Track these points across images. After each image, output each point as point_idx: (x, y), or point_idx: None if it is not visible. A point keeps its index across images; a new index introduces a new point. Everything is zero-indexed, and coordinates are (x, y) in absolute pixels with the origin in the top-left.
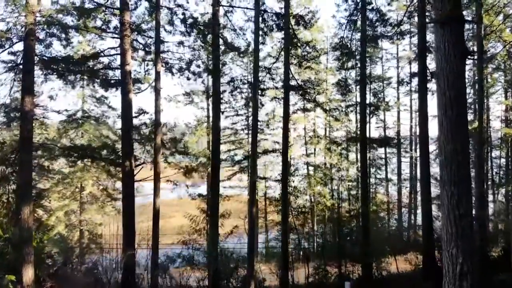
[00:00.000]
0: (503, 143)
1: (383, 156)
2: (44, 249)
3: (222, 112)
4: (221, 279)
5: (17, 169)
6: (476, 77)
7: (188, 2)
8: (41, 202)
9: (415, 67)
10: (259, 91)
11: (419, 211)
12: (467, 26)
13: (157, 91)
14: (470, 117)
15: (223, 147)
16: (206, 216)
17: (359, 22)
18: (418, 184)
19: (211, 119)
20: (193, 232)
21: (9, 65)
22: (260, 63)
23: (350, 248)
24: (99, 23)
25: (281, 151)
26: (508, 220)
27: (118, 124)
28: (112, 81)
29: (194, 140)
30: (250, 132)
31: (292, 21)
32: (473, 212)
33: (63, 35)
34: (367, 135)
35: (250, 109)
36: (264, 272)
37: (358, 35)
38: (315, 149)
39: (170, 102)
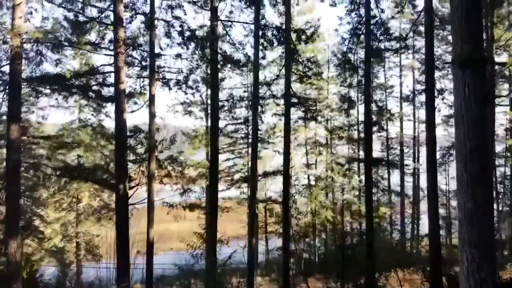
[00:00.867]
0: (508, 153)
1: (385, 167)
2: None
3: (220, 130)
4: None
5: (4, 199)
6: None
7: (186, 14)
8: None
9: (418, 75)
10: (259, 106)
11: (421, 221)
12: None
13: (151, 114)
14: None
15: (222, 157)
16: (203, 241)
17: (362, 36)
18: (421, 194)
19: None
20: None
21: None
22: (261, 77)
23: (353, 263)
24: (93, 36)
25: (282, 172)
26: None
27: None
28: (107, 97)
29: (192, 152)
30: (249, 142)
31: (293, 36)
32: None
33: (54, 54)
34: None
35: (250, 116)
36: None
37: (360, 49)
38: (316, 161)
39: (168, 112)
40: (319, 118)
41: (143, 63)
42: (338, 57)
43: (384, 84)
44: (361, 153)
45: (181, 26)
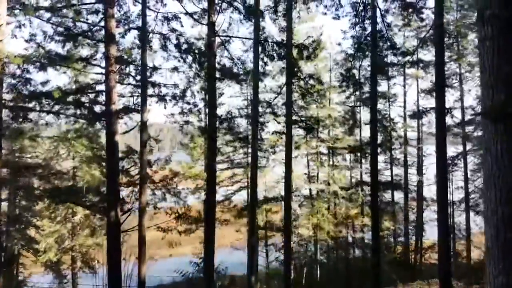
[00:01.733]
0: None
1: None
2: None
3: (219, 151)
4: None
5: None
6: None
7: (182, 26)
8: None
9: (422, 84)
10: (259, 124)
11: (425, 232)
12: None
13: (142, 143)
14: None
15: (221, 165)
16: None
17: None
18: (424, 204)
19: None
20: None
21: None
22: (261, 85)
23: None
24: (85, 51)
25: (282, 199)
26: None
27: None
28: (99, 114)
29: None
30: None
31: (295, 52)
32: None
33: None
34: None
35: (249, 131)
36: None
37: (361, 57)
38: (317, 174)
39: (165, 123)
40: (321, 135)
41: (138, 78)
42: (342, 73)
43: (387, 94)
44: (364, 164)
45: (177, 38)
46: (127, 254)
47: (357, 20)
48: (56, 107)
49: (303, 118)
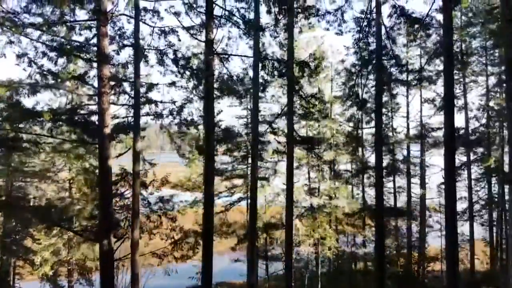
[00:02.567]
0: None
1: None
2: None
3: (217, 172)
4: None
5: None
6: None
7: (180, 40)
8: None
9: (425, 93)
10: (259, 145)
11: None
12: None
13: (135, 174)
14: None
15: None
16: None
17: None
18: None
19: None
20: None
21: None
22: (261, 103)
23: None
24: (79, 68)
25: (283, 225)
26: None
27: None
28: (92, 135)
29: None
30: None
31: (296, 69)
32: None
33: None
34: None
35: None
36: None
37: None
38: (319, 188)
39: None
40: (324, 157)
41: (131, 98)
42: (345, 90)
43: (389, 104)
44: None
45: (174, 53)
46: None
47: (361, 35)
48: (48, 125)
49: (303, 136)
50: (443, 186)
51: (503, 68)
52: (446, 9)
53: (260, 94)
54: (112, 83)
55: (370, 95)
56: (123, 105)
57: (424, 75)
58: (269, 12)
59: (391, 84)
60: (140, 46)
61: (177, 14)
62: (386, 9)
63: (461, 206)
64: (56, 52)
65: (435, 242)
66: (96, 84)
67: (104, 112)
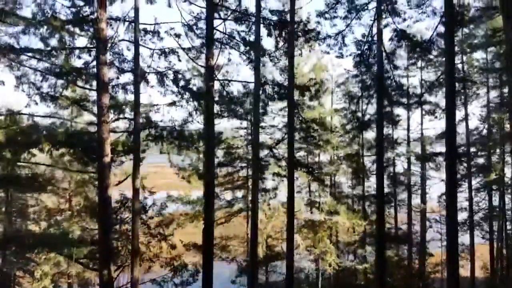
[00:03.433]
0: None
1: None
2: None
3: (217, 195)
4: None
5: None
6: None
7: (180, 60)
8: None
9: (426, 106)
10: (260, 167)
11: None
12: None
13: (135, 212)
14: None
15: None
16: None
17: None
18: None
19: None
20: None
21: None
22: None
23: None
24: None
25: (284, 256)
26: None
27: None
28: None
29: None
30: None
31: (296, 93)
32: None
33: None
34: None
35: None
36: None
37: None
38: (320, 203)
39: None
40: (325, 181)
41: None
42: (347, 116)
43: (391, 117)
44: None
45: (175, 74)
46: None
47: (361, 58)
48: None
49: (303, 162)
50: (443, 197)
51: (504, 78)
52: (448, 37)
53: (261, 117)
54: (112, 109)
55: (371, 118)
56: (123, 132)
57: (427, 101)
58: (269, 35)
59: (393, 105)
60: (139, 72)
61: (177, 36)
62: (386, 32)
63: (461, 216)
64: (55, 76)
65: (436, 250)
66: (95, 109)
67: (104, 141)
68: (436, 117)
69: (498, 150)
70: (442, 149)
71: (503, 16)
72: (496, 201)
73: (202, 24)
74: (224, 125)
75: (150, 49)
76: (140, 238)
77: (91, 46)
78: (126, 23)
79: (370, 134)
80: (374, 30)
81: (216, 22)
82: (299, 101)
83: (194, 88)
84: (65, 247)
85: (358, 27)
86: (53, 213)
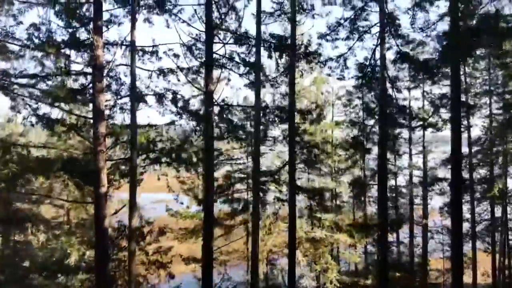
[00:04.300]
0: None
1: None
2: None
3: (215, 221)
4: None
5: None
6: None
7: (179, 80)
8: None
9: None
10: (260, 193)
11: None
12: None
13: (130, 253)
14: None
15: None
16: None
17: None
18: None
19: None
20: None
21: None
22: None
23: None
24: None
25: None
26: None
27: None
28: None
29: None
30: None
31: (297, 117)
32: None
33: None
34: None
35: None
36: None
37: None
38: (321, 218)
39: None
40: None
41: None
42: (348, 141)
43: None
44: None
45: (174, 95)
46: None
47: (362, 81)
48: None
49: (305, 187)
50: (445, 209)
51: (506, 89)
52: (454, 72)
53: (261, 139)
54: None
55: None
56: (120, 159)
57: (431, 124)
58: (270, 56)
59: (395, 128)
60: (137, 97)
61: (176, 56)
62: (389, 54)
63: (463, 226)
64: (49, 104)
65: (437, 258)
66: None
67: (100, 171)
68: (439, 129)
69: (500, 160)
70: (446, 171)
71: None
72: (498, 212)
73: (200, 45)
74: (225, 146)
75: (148, 70)
76: (138, 268)
77: (87, 72)
78: (124, 47)
79: (372, 155)
80: (377, 54)
81: (216, 45)
82: (299, 124)
83: (194, 108)
84: (62, 274)
85: (361, 51)
86: (51, 225)
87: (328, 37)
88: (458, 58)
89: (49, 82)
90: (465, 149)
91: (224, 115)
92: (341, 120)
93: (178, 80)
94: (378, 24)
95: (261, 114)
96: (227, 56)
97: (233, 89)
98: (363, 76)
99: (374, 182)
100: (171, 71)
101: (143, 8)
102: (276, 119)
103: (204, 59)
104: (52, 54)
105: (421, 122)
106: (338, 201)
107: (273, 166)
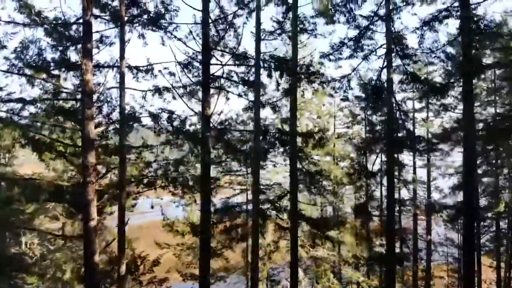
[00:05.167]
0: None
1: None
2: None
3: (213, 250)
4: None
5: None
6: None
7: (175, 98)
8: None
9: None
10: (261, 219)
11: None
12: None
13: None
14: None
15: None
16: None
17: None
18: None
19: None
20: None
21: None
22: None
23: None
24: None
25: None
26: None
27: None
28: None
29: None
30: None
31: (299, 140)
32: None
33: None
34: None
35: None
36: None
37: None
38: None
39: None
40: (330, 235)
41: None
42: (353, 166)
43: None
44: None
45: (169, 114)
46: None
47: (369, 103)
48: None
49: (308, 216)
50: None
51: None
52: (466, 90)
53: (261, 163)
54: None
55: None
56: (108, 192)
57: (440, 149)
58: (269, 75)
59: (402, 149)
60: (128, 119)
61: (171, 74)
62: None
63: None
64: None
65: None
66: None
67: (89, 203)
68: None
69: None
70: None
71: None
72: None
73: (197, 63)
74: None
75: (142, 90)
76: None
77: (77, 98)
78: (115, 68)
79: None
80: (383, 76)
81: (214, 66)
82: (302, 147)
83: (190, 129)
84: None
85: (365, 72)
86: (46, 239)
87: (331, 57)
88: (472, 77)
89: (37, 106)
90: None
91: (223, 138)
92: (343, 133)
93: (174, 98)
94: (385, 46)
95: (261, 138)
96: (225, 76)
97: (232, 104)
98: (367, 97)
99: (377, 209)
100: (167, 89)
101: (137, 24)
102: (276, 142)
103: (200, 78)
104: (41, 79)
105: (426, 146)
106: (340, 213)
107: (272, 181)
